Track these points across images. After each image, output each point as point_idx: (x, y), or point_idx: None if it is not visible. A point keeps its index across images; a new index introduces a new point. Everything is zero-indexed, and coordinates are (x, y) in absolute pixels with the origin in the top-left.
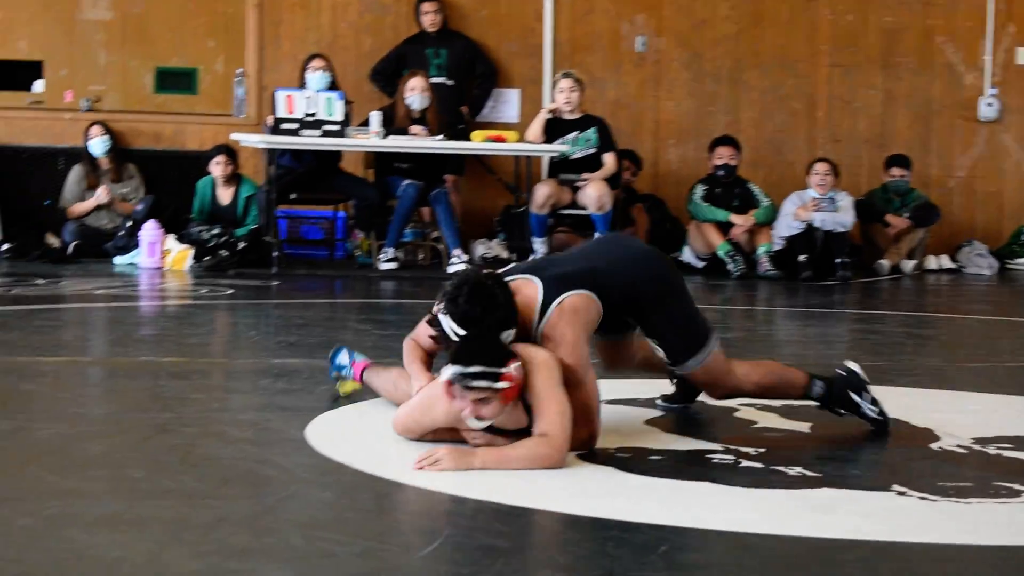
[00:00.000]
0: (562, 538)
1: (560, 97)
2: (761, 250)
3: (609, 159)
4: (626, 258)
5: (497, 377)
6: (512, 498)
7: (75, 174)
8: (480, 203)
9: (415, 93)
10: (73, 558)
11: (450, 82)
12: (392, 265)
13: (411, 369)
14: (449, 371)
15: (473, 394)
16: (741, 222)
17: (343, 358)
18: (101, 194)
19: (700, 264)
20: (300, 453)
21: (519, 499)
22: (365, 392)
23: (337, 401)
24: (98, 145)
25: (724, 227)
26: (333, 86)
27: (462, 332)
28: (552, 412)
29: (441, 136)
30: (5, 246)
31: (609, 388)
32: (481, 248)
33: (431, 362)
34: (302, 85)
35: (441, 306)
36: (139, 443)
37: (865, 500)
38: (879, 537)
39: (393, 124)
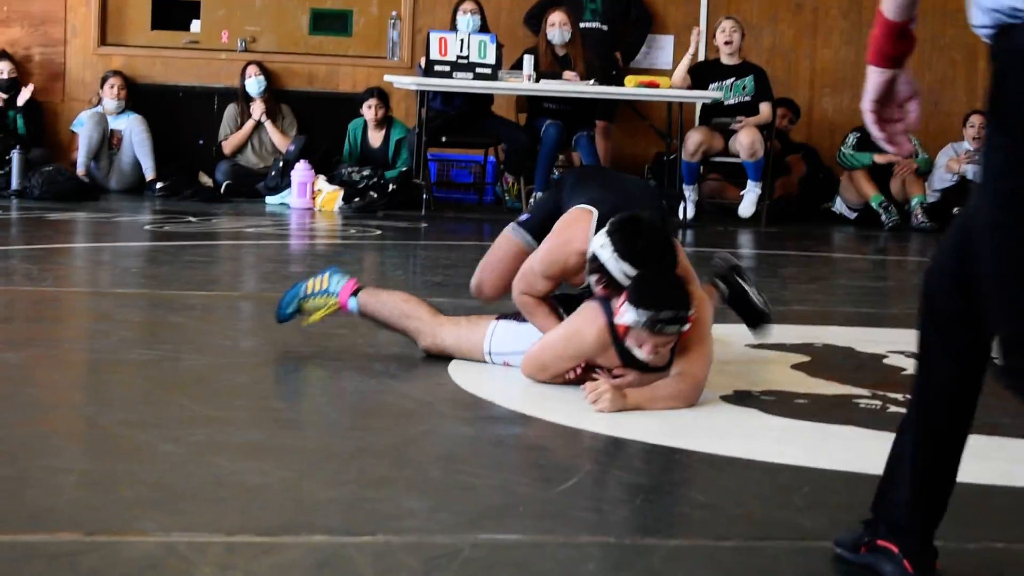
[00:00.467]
0: (702, 477)
1: (721, 38)
2: (914, 201)
3: (765, 108)
4: (647, 191)
5: (686, 320)
6: (653, 437)
7: (230, 113)
8: (631, 150)
9: (555, 28)
10: (214, 483)
11: (604, 27)
12: None
13: (540, 321)
14: (635, 315)
15: (662, 339)
16: (893, 156)
17: (332, 282)
18: (255, 112)
19: (852, 215)
20: (442, 388)
21: (660, 438)
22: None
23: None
24: (254, 85)
25: (877, 178)
26: (483, 29)
27: (634, 273)
28: (702, 354)
29: (592, 80)
30: (159, 185)
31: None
32: None
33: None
34: (453, 28)
35: (607, 248)
36: (284, 375)
37: (1014, 447)
38: None
39: (537, 62)
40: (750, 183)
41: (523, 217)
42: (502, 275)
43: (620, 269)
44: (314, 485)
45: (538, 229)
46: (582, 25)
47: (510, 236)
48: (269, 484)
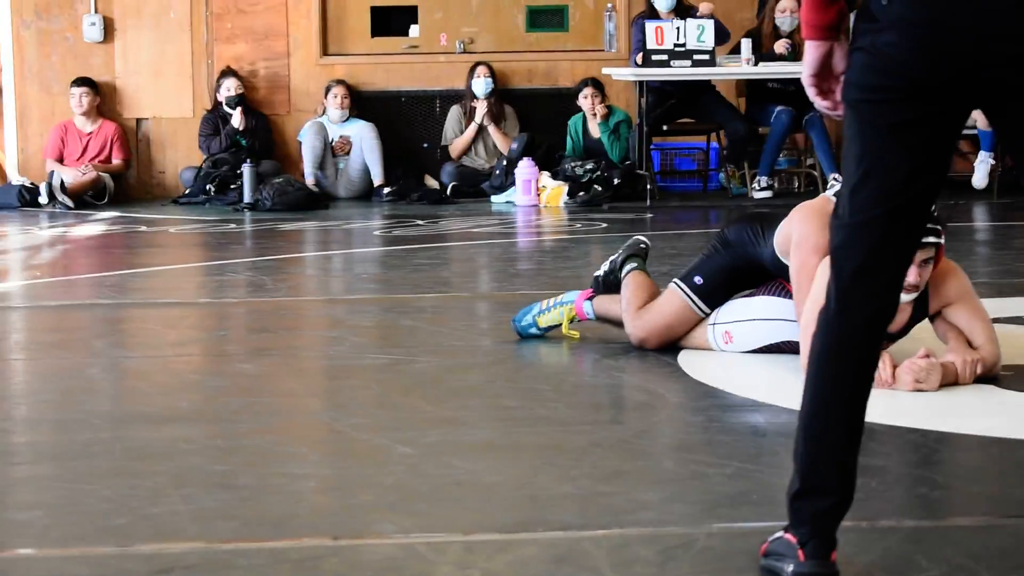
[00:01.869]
0: (939, 457)
1: None
2: None
3: None
4: None
5: (940, 233)
6: (887, 417)
7: (454, 115)
8: None
9: (786, 15)
10: (450, 484)
11: None
12: (767, 194)
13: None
14: None
15: (923, 253)
16: None
17: (567, 294)
18: (478, 116)
19: None
20: (672, 378)
21: (895, 419)
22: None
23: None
24: (481, 85)
25: None
26: (680, 3)
27: None
28: (985, 318)
29: None
30: (387, 190)
31: (994, 306)
32: None
33: None
34: (648, 3)
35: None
36: (513, 373)
37: None
38: None
39: (759, 45)
40: (983, 153)
41: (696, 279)
42: (669, 337)
43: None
44: (548, 481)
45: (713, 293)
46: None
47: (681, 299)
48: (504, 482)
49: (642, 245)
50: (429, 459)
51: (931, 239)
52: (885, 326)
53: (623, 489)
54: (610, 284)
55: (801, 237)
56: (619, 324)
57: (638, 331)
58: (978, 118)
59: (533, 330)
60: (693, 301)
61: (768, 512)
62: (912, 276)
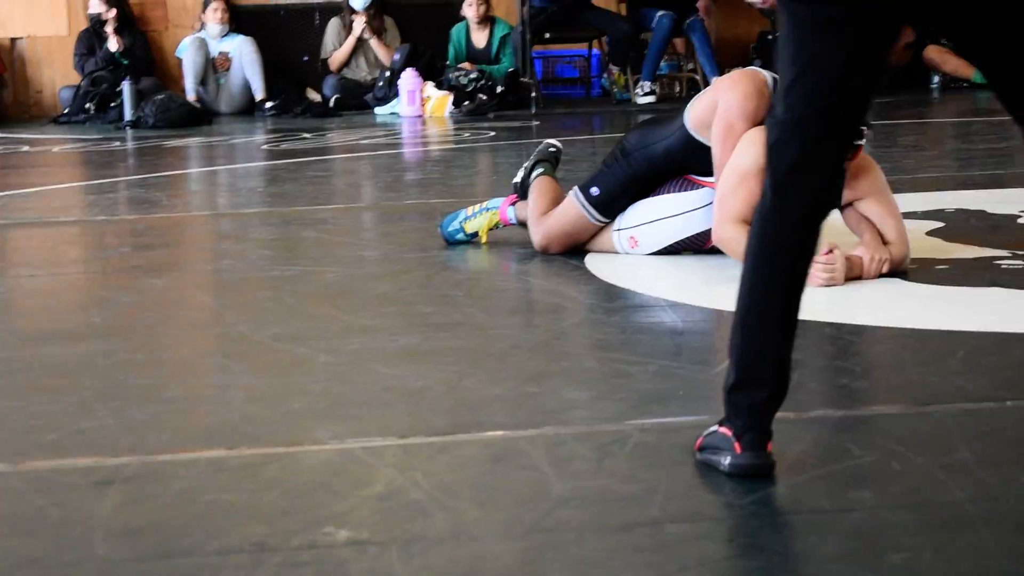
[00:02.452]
0: (856, 348)
1: None
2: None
3: None
4: None
5: (862, 133)
6: (802, 312)
7: (333, 27)
8: (734, 31)
9: None
10: (379, 390)
11: None
12: (650, 99)
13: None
14: None
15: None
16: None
17: (491, 201)
18: (356, 28)
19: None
20: (582, 281)
21: (807, 314)
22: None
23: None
24: None
25: None
26: None
27: None
28: (895, 212)
29: None
30: (269, 104)
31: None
32: None
33: None
34: None
35: None
36: (425, 280)
37: None
38: None
39: None
40: None
41: (593, 190)
42: (569, 244)
43: None
44: (475, 384)
45: (611, 205)
46: None
47: (579, 211)
48: (431, 386)
49: (551, 149)
50: (353, 367)
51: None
52: (820, 222)
53: (551, 389)
54: (526, 189)
55: (728, 104)
56: None
57: (540, 237)
58: None
59: (460, 236)
60: (589, 212)
61: (697, 407)
62: None
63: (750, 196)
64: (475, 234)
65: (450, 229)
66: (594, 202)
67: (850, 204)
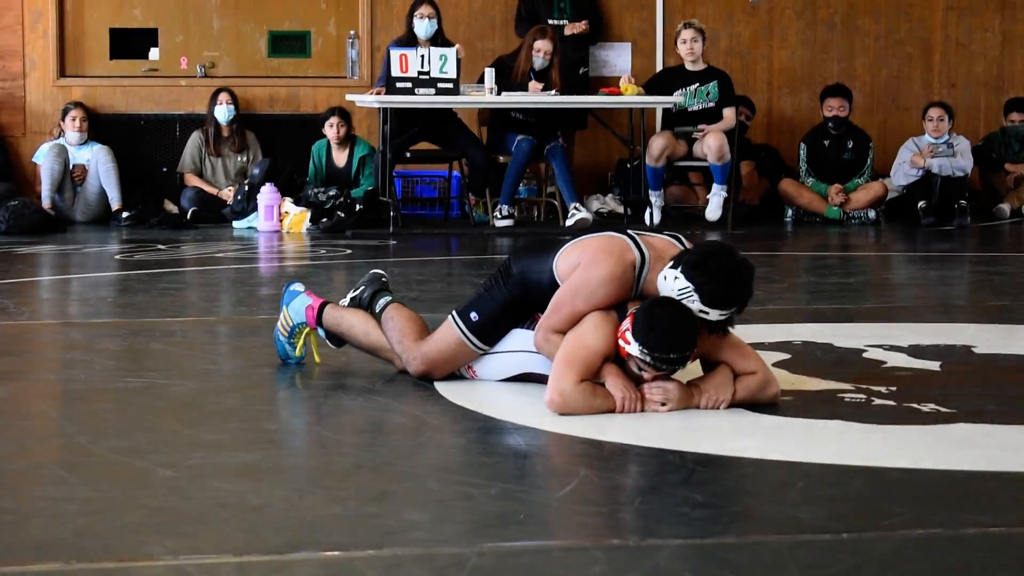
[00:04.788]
0: (698, 477)
1: (682, 48)
2: (871, 214)
3: (729, 113)
4: None
5: (687, 360)
6: (645, 440)
7: (193, 141)
8: (595, 157)
9: (540, 55)
10: (216, 506)
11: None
12: (508, 222)
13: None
14: (639, 351)
15: (661, 372)
16: (837, 201)
17: (297, 307)
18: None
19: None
20: (430, 402)
21: (652, 441)
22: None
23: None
24: (224, 112)
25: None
26: (438, 34)
27: (712, 312)
28: (753, 353)
29: (553, 91)
30: (125, 214)
31: (736, 333)
32: (596, 203)
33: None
34: (409, 31)
35: (686, 286)
36: (271, 396)
37: (1002, 434)
38: (1021, 468)
39: (510, 76)
40: (716, 187)
41: (472, 315)
42: (451, 370)
43: (697, 308)
44: (315, 502)
45: (491, 331)
46: (552, 22)
47: (459, 337)
48: (270, 504)
49: (383, 279)
50: (192, 481)
51: (675, 368)
52: None
53: (391, 510)
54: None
55: (584, 280)
56: (353, 344)
57: (420, 364)
58: (709, 153)
59: (294, 357)
60: (468, 339)
61: (537, 531)
62: (647, 377)
63: (588, 371)
64: (303, 355)
65: (283, 353)
66: (473, 328)
67: (709, 360)
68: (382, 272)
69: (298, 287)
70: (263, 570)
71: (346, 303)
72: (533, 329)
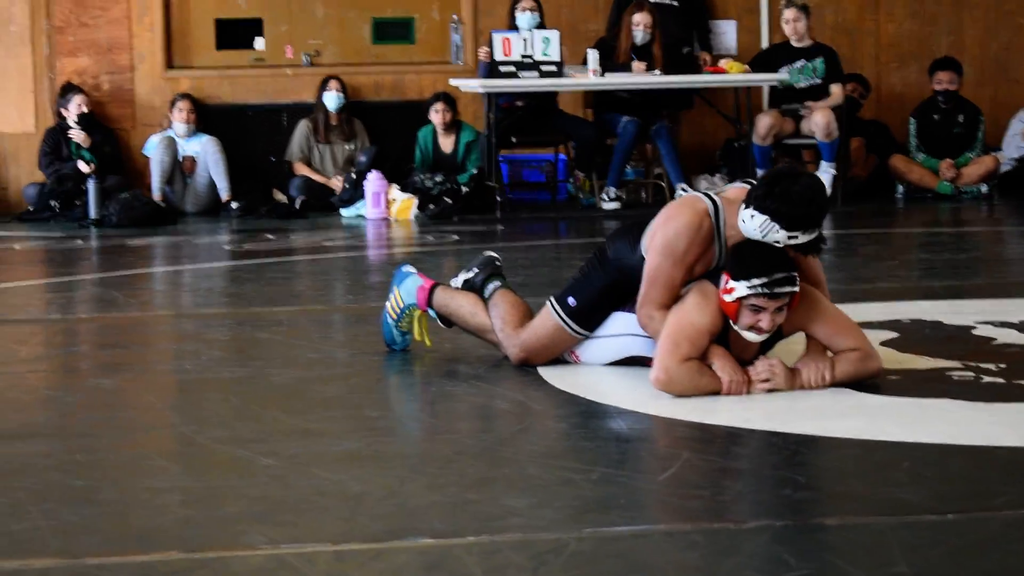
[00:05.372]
0: (802, 458)
1: (786, 28)
2: (984, 188)
3: (836, 89)
4: None
5: (795, 280)
6: (749, 422)
7: (301, 130)
8: (700, 137)
9: (639, 28)
10: (317, 494)
11: (675, 3)
12: (615, 204)
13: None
14: (748, 286)
15: (776, 302)
16: (948, 175)
17: (409, 288)
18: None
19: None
20: (533, 387)
21: (756, 423)
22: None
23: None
24: (333, 99)
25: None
26: (541, 26)
27: (799, 235)
28: (853, 328)
29: (657, 71)
30: (235, 204)
31: (844, 312)
32: (704, 183)
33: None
34: (512, 27)
35: (764, 219)
36: (374, 384)
37: None
38: None
39: (613, 57)
40: (824, 164)
41: (570, 300)
42: (550, 356)
43: (781, 235)
44: (415, 490)
45: (589, 315)
46: (653, 0)
47: (557, 323)
48: (370, 492)
49: (497, 262)
50: (293, 470)
51: (786, 289)
52: None
53: (491, 496)
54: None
55: (663, 239)
56: (461, 326)
57: (520, 352)
58: (816, 130)
59: (400, 340)
60: (567, 324)
61: (636, 516)
62: (765, 323)
63: (695, 350)
64: (409, 340)
65: (389, 337)
66: (571, 313)
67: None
68: (496, 255)
69: (410, 268)
70: (361, 558)
71: (458, 285)
72: (633, 311)
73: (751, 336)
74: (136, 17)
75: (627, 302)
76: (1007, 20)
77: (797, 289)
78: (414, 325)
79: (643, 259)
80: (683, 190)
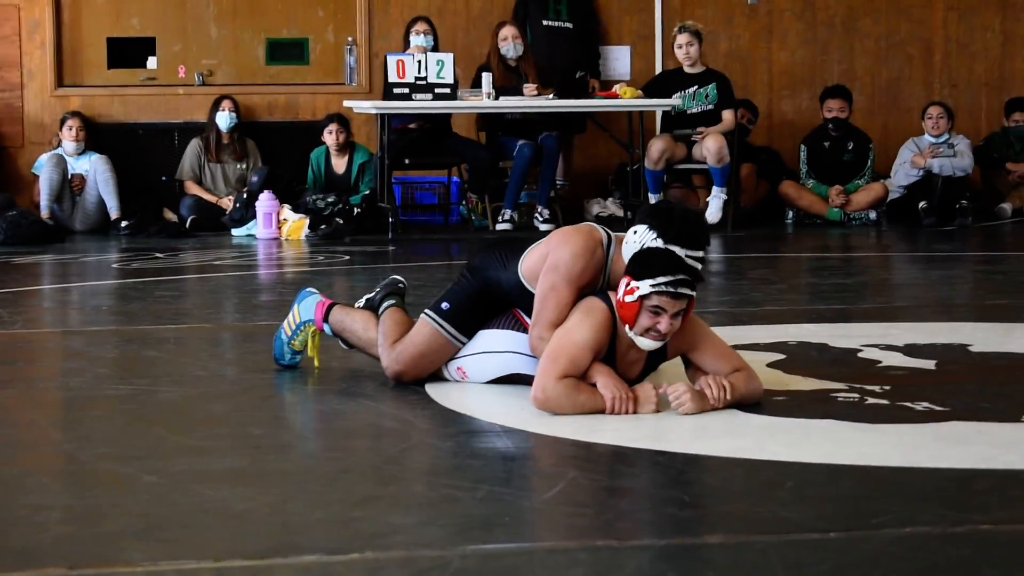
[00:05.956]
0: (687, 477)
1: (679, 53)
2: (872, 215)
3: (728, 115)
4: None
5: (694, 286)
6: (633, 441)
7: (192, 148)
8: (593, 161)
9: (508, 42)
10: (199, 511)
11: (569, 25)
12: (508, 226)
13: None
14: (651, 284)
15: (677, 304)
16: (837, 202)
17: (308, 305)
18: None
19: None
20: (420, 406)
21: (640, 442)
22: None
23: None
24: (225, 119)
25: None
26: (435, 50)
27: (680, 252)
28: (733, 352)
29: (552, 95)
30: (124, 223)
31: (732, 334)
32: (596, 207)
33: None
34: (405, 49)
35: (651, 234)
36: (261, 402)
37: (995, 431)
38: (1013, 466)
39: (494, 80)
40: (716, 189)
41: (443, 305)
42: (424, 367)
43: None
44: (299, 507)
45: (463, 318)
46: (547, 23)
47: (431, 328)
48: (254, 509)
49: (400, 284)
50: (176, 487)
51: (686, 291)
52: None
53: (375, 513)
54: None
55: (557, 260)
56: (354, 343)
57: (394, 364)
58: (708, 156)
59: (289, 357)
60: (442, 327)
61: (520, 533)
62: (663, 325)
63: (573, 367)
64: (302, 351)
65: (279, 353)
66: (445, 315)
67: (688, 363)
68: (401, 279)
69: (312, 290)
70: (242, 574)
71: (361, 304)
72: (517, 330)
73: (645, 343)
74: (27, 34)
75: (498, 312)
76: (897, 50)
77: (694, 294)
78: (307, 342)
79: (515, 280)
80: (537, 216)
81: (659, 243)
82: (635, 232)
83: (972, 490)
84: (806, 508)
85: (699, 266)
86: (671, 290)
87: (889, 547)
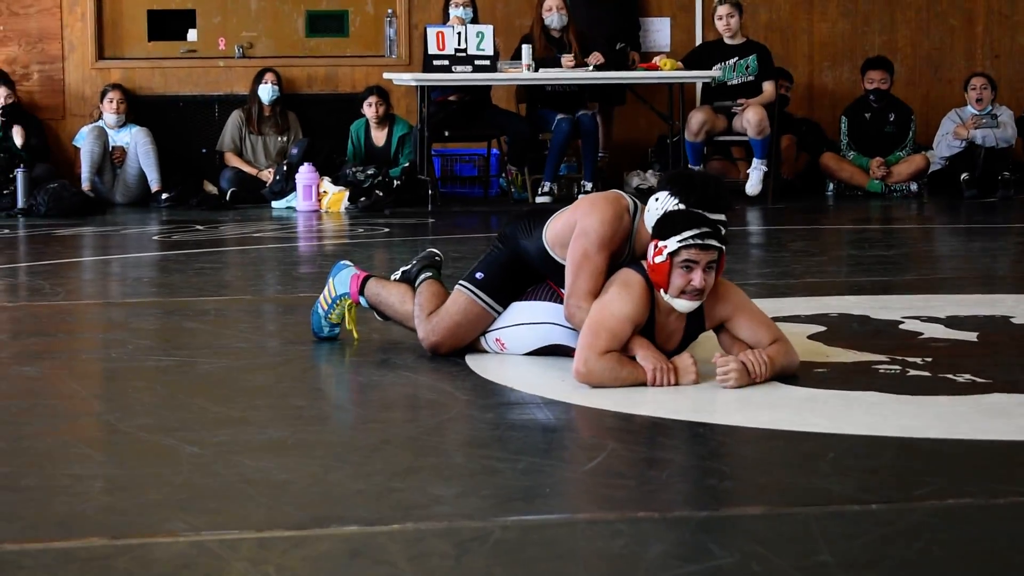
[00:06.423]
0: (726, 450)
1: (719, 24)
2: (913, 186)
3: (768, 87)
4: None
5: (723, 237)
6: (674, 413)
7: (233, 120)
8: (633, 134)
9: (552, 13)
10: (241, 482)
11: None
12: (547, 199)
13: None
14: (677, 240)
15: (708, 255)
16: (878, 174)
17: (343, 278)
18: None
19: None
20: (460, 377)
21: (681, 414)
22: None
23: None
24: (267, 92)
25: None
26: (475, 22)
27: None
28: (771, 323)
29: (591, 66)
30: (164, 195)
31: (773, 306)
32: (636, 179)
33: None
34: (445, 21)
35: (672, 200)
36: (302, 373)
37: None
38: None
39: (535, 51)
40: (756, 161)
41: (477, 275)
42: (460, 337)
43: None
44: (340, 478)
45: (497, 287)
46: None
47: (466, 297)
48: (295, 480)
49: (436, 257)
50: (218, 458)
51: (714, 242)
52: None
53: (416, 484)
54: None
55: (584, 229)
56: (391, 315)
57: (430, 335)
58: (748, 127)
59: (328, 330)
60: (476, 295)
61: (561, 505)
62: (697, 280)
63: (615, 340)
64: (340, 323)
65: (317, 327)
66: (479, 284)
67: (722, 328)
68: (437, 252)
69: (347, 262)
70: (284, 545)
71: (396, 277)
72: (554, 300)
73: (682, 305)
74: (67, 7)
75: (532, 280)
76: (939, 21)
77: (724, 248)
78: (344, 315)
79: (539, 247)
80: (586, 190)
81: (681, 208)
82: (656, 199)
83: (1014, 462)
84: (847, 480)
85: (722, 229)
86: (699, 241)
87: (931, 519)
